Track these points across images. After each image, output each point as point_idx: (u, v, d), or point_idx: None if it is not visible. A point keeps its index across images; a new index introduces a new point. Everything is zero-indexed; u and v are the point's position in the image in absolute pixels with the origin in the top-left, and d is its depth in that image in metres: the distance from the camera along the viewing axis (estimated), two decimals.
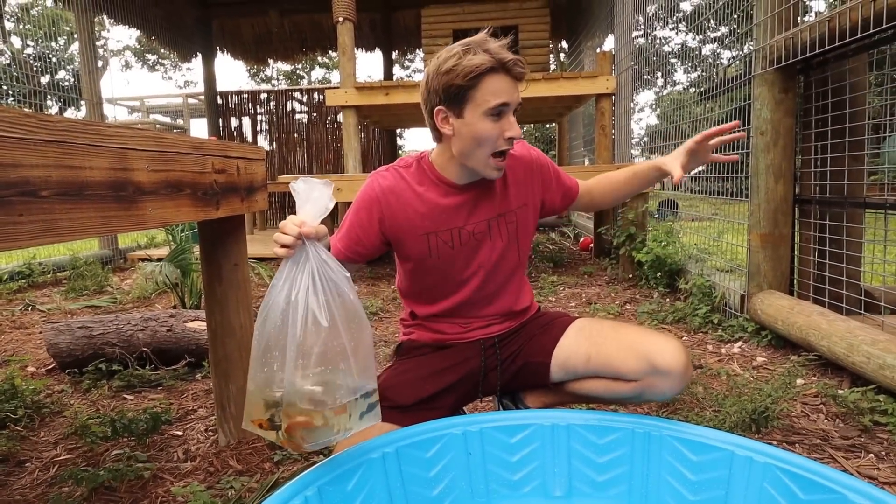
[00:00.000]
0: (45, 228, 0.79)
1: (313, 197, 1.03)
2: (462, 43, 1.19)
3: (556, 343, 1.36)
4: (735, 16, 3.25)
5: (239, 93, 9.00)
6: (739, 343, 2.44)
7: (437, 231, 1.29)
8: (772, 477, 1.11)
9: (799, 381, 1.98)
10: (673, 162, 1.33)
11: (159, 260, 2.89)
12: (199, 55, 8.06)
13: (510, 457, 1.33)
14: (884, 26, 1.74)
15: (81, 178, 0.86)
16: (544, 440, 1.33)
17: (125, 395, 2.06)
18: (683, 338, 2.57)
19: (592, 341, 1.32)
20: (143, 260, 4.62)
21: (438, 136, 1.26)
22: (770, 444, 1.55)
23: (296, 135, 9.10)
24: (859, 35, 1.86)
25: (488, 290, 1.37)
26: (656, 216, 4.41)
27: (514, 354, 1.40)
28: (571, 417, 1.33)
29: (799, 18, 2.38)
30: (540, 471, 1.32)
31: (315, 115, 9.07)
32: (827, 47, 2.03)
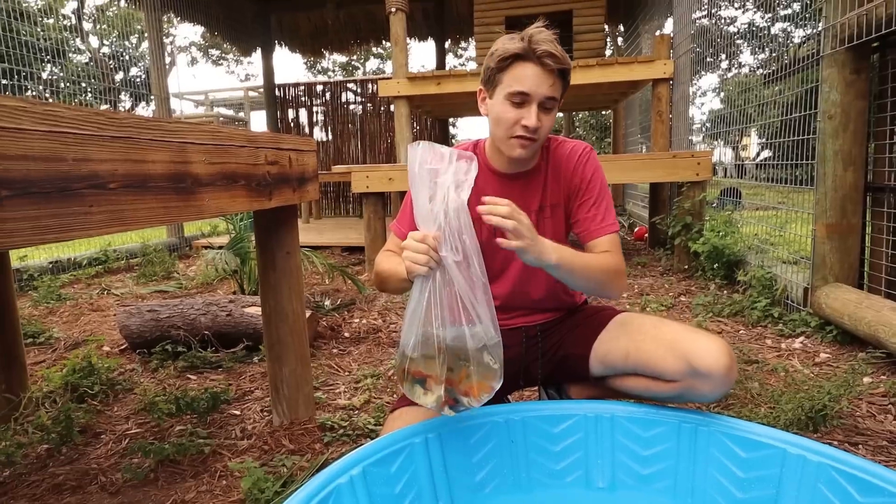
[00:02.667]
0: (112, 218, 0.85)
1: (423, 189, 1.05)
2: (516, 32, 1.22)
3: (597, 336, 1.34)
4: None
5: (296, 85, 9.24)
6: (801, 338, 2.33)
7: (480, 217, 1.31)
8: (826, 477, 1.07)
9: (866, 380, 1.88)
10: None
11: (220, 248, 3.03)
12: (259, 49, 8.31)
13: (553, 446, 1.33)
14: None
15: (145, 170, 0.92)
16: (588, 431, 1.33)
17: (189, 375, 2.18)
18: (741, 331, 2.48)
19: (631, 338, 1.29)
20: (206, 248, 4.85)
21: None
22: (830, 443, 1.48)
23: (350, 125, 9.27)
24: None
25: (529, 281, 1.38)
26: (714, 205, 4.24)
27: (556, 345, 1.40)
28: (616, 409, 1.32)
29: None
30: (583, 461, 1.32)
31: (369, 105, 9.20)
32: None
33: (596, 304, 1.45)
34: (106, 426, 1.75)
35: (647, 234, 5.10)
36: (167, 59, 6.88)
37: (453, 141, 13.07)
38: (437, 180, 1.05)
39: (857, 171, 2.30)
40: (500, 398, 1.46)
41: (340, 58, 18.11)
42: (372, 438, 1.57)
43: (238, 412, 1.83)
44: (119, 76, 7.07)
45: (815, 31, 2.44)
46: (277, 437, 1.62)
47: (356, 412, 1.80)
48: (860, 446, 1.48)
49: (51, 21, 6.09)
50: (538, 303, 1.42)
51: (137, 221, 0.91)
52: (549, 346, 1.40)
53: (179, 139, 1.02)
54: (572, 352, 1.37)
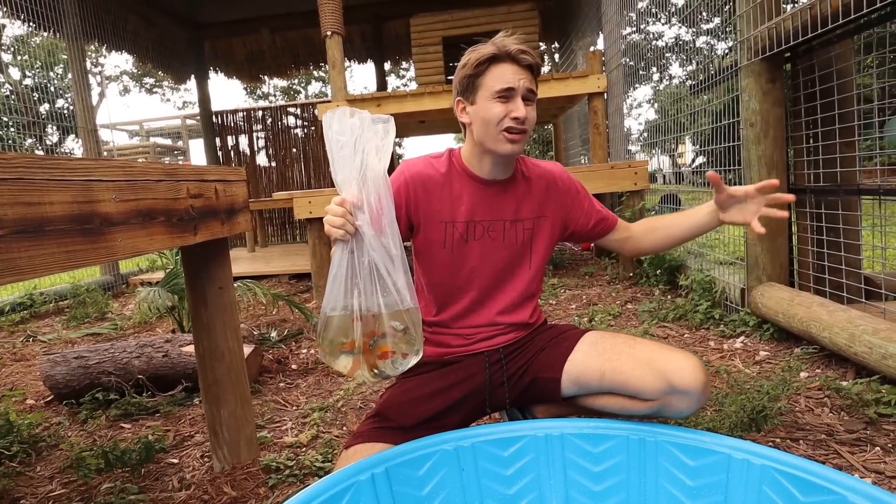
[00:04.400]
0: (3, 268, 0.78)
1: (342, 156, 1.08)
2: (481, 41, 1.29)
3: (567, 358, 1.32)
4: (727, 7, 3.23)
5: (234, 111, 9.04)
6: (742, 338, 2.41)
7: (454, 221, 1.33)
8: (770, 479, 1.08)
9: (803, 375, 1.94)
10: (735, 214, 1.31)
11: (157, 284, 2.88)
12: (193, 76, 8.11)
13: (504, 470, 1.30)
14: (864, 11, 1.71)
15: (41, 214, 0.85)
16: (538, 451, 1.30)
17: (122, 424, 2.05)
18: (685, 335, 2.54)
19: (606, 357, 1.29)
20: (143, 284, 4.63)
21: (463, 128, 1.35)
22: (773, 442, 1.52)
23: (294, 150, 9.12)
24: (841, 21, 1.83)
25: (494, 294, 1.37)
26: (654, 212, 4.37)
27: (522, 370, 1.36)
28: (565, 427, 1.31)
29: (786, 6, 2.36)
30: (535, 483, 1.30)
31: (312, 129, 9.09)
32: (810, 34, 2.01)
33: (560, 325, 1.44)
34: (26, 489, 1.61)
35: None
36: (96, 90, 6.59)
37: (399, 160, 13.07)
38: (356, 144, 1.06)
39: (780, 174, 2.41)
40: (465, 425, 1.41)
41: (281, 82, 17.93)
42: (319, 477, 1.50)
43: (176, 460, 1.72)
44: (44, 108, 6.74)
45: (734, 42, 2.56)
46: (218, 484, 1.53)
47: (303, 450, 1.72)
48: (801, 441, 1.51)
49: None
50: (500, 323, 1.39)
51: (35, 269, 0.84)
52: (515, 370, 1.36)
53: (83, 177, 0.95)
54: (542, 375, 1.33)
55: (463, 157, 1.36)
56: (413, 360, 1.14)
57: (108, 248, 1.00)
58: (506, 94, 1.24)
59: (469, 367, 1.37)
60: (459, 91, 1.31)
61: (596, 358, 1.30)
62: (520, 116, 1.24)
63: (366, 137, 1.07)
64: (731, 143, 2.75)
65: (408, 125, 6.25)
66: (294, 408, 2.10)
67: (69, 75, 5.69)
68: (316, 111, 8.93)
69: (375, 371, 1.12)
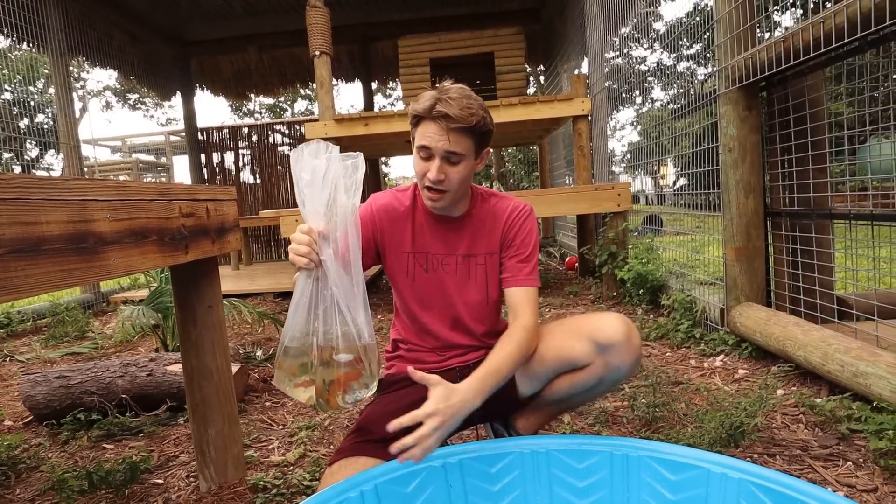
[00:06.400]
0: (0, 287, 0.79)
1: (311, 190, 1.09)
2: (437, 88, 1.30)
3: None
4: (706, 35, 3.34)
5: (220, 128, 9.03)
6: (721, 356, 2.46)
7: (415, 252, 1.40)
8: (747, 492, 1.12)
9: (779, 392, 1.99)
10: None
11: (140, 302, 2.87)
12: (179, 93, 8.11)
13: (491, 486, 1.32)
14: (833, 45, 1.80)
15: (38, 233, 0.87)
16: (525, 468, 1.33)
17: (105, 445, 2.02)
18: (667, 354, 2.59)
19: (542, 340, 1.37)
20: (124, 302, 4.58)
21: None
22: (751, 457, 1.56)
23: (279, 167, 9.12)
24: (812, 53, 1.92)
25: (459, 319, 1.43)
26: (636, 233, 4.45)
27: None
28: (549, 443, 1.33)
29: (765, 35, 2.46)
30: (522, 499, 1.32)
31: (298, 146, 9.11)
32: (784, 66, 2.10)
33: None
34: None
35: (577, 264, 5.27)
36: (78, 105, 6.56)
37: (386, 180, 13.13)
38: (324, 178, 1.08)
39: (757, 198, 2.49)
40: (442, 442, 1.44)
41: (267, 100, 17.96)
42: (307, 496, 1.50)
43: (161, 481, 1.71)
44: (24, 123, 6.67)
45: (714, 70, 2.65)
46: None
47: (291, 468, 1.72)
48: (777, 457, 1.55)
49: None
50: (470, 344, 1.45)
51: (31, 288, 0.85)
52: None
53: (79, 197, 0.97)
54: None
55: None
56: (366, 394, 1.16)
57: (103, 266, 1.01)
58: (425, 153, 1.28)
59: None
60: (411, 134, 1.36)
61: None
62: (431, 178, 1.27)
63: (335, 173, 1.09)
64: (711, 168, 2.84)
65: (395, 144, 6.31)
66: (280, 427, 2.09)
67: (51, 90, 5.67)
68: (303, 129, 8.98)
69: (328, 401, 1.14)
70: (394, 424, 1.07)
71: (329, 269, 1.09)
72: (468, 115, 1.26)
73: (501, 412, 1.54)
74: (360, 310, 1.11)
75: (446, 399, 1.13)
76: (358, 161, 1.12)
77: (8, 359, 3.48)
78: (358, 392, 1.15)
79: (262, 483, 1.58)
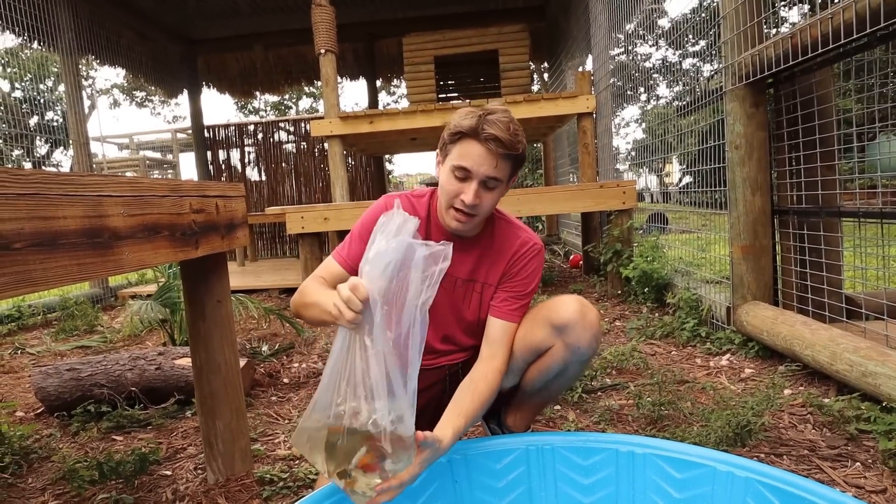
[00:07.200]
0: (18, 280, 0.80)
1: (379, 253, 1.00)
2: (479, 107, 1.25)
3: None
4: (711, 31, 3.33)
5: (226, 126, 9.07)
6: (727, 355, 2.46)
7: None
8: (754, 491, 1.12)
9: (786, 392, 1.99)
10: None
11: (149, 297, 2.89)
12: (186, 91, 8.14)
13: (497, 483, 1.33)
14: (842, 41, 1.79)
15: (55, 227, 0.88)
16: (530, 464, 1.34)
17: (114, 437, 2.04)
18: (672, 352, 2.59)
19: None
20: (132, 297, 4.61)
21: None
22: (758, 457, 1.56)
23: (284, 165, 9.15)
24: (821, 49, 1.92)
25: (451, 329, 1.45)
26: (641, 231, 4.44)
27: None
28: (555, 440, 1.34)
29: (772, 31, 2.45)
30: (527, 495, 1.32)
31: (303, 144, 9.13)
32: (791, 62, 2.09)
33: None
34: (18, 501, 1.61)
35: (581, 262, 5.27)
36: (87, 103, 6.60)
37: (390, 178, 13.13)
38: (389, 263, 0.99)
39: (764, 195, 2.48)
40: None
41: (272, 97, 17.98)
42: (313, 489, 1.51)
43: (170, 472, 1.73)
44: (34, 120, 6.72)
45: (720, 66, 2.65)
46: (213, 496, 1.54)
47: (296, 462, 1.73)
48: (784, 457, 1.56)
49: None
50: (460, 349, 1.49)
51: (48, 281, 0.86)
52: None
53: (95, 193, 0.98)
54: None
55: (437, 206, 1.38)
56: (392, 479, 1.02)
57: (116, 261, 1.02)
58: (462, 174, 1.23)
59: (429, 378, 1.45)
60: (439, 146, 1.31)
61: None
62: (466, 202, 1.23)
63: (411, 260, 1.00)
64: (717, 165, 2.83)
65: (399, 142, 6.32)
66: (286, 421, 2.11)
67: (60, 88, 5.70)
68: (308, 126, 8.99)
69: (357, 493, 1.01)
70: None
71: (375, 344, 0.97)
72: (516, 140, 1.22)
73: (493, 410, 1.57)
74: (407, 408, 0.98)
75: (430, 461, 1.10)
76: (445, 252, 1.02)
77: (19, 351, 3.52)
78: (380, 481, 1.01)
79: (268, 476, 1.60)
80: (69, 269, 0.90)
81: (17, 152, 6.42)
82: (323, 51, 4.68)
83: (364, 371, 0.97)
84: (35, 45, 5.18)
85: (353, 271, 1.37)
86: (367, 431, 0.97)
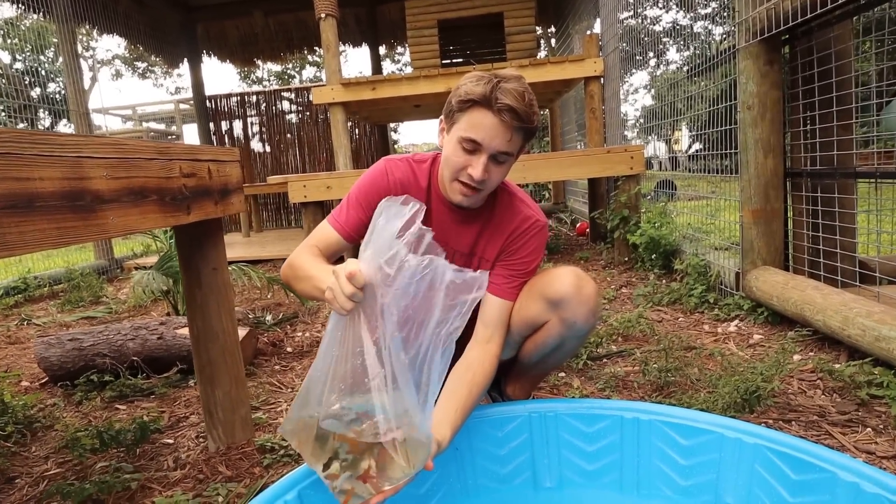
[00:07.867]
0: None
1: (377, 231, 0.97)
2: (491, 73, 1.16)
3: None
4: None
5: (228, 96, 8.95)
6: (736, 322, 2.42)
7: None
8: (762, 458, 1.09)
9: (796, 358, 1.95)
10: None
11: (151, 268, 2.87)
12: (186, 60, 8.01)
13: (499, 450, 1.31)
14: None
15: (30, 189, 0.84)
16: (533, 431, 1.31)
17: (117, 406, 2.04)
18: (679, 319, 2.55)
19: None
20: (137, 268, 4.61)
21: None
22: (766, 423, 1.53)
23: (288, 135, 9.05)
24: (840, 1, 1.82)
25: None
26: (649, 198, 4.36)
27: None
28: (559, 407, 1.32)
29: None
30: (529, 462, 1.31)
31: (307, 113, 9.01)
32: (809, 15, 1.99)
33: None
34: (22, 469, 1.61)
35: (588, 229, 5.20)
36: (88, 74, 6.49)
37: (395, 147, 12.97)
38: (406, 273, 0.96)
39: (777, 157, 2.40)
40: None
41: (275, 67, 17.74)
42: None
43: (171, 441, 1.73)
44: (36, 92, 6.63)
45: (732, 26, 2.54)
46: (213, 463, 1.53)
47: None
48: (793, 423, 1.52)
49: None
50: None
51: (26, 245, 0.83)
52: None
53: (74, 153, 0.94)
54: None
55: (439, 174, 1.29)
56: (403, 478, 0.96)
57: (100, 225, 0.98)
58: (471, 146, 1.14)
59: None
60: (445, 113, 1.21)
61: None
62: (475, 176, 1.14)
63: (442, 281, 0.97)
64: (728, 127, 2.74)
65: (403, 109, 6.20)
66: (289, 389, 2.10)
67: (60, 59, 5.61)
68: (311, 96, 8.85)
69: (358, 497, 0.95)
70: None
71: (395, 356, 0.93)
72: (532, 112, 1.12)
73: (504, 379, 1.55)
74: (419, 414, 0.94)
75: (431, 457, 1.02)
76: (480, 281, 0.98)
77: (25, 322, 3.54)
78: (390, 483, 0.95)
79: (269, 444, 1.59)
80: (48, 232, 0.86)
81: (21, 125, 6.37)
82: (323, 15, 4.56)
83: (363, 370, 0.94)
84: (33, 15, 5.08)
85: (349, 238, 1.32)
86: (376, 441, 0.93)
